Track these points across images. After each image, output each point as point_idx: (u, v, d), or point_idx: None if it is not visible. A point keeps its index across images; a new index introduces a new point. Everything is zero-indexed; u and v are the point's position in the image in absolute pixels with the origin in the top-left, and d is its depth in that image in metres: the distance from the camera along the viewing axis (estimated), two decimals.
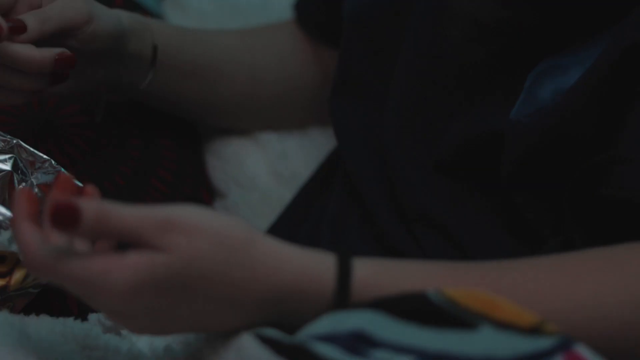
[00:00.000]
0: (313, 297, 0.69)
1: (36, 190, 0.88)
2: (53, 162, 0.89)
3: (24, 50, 0.86)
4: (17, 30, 0.86)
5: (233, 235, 0.68)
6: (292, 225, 0.98)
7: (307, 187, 1.02)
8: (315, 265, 0.70)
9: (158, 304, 0.67)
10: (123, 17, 0.94)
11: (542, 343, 0.63)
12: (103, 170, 1.00)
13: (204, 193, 1.06)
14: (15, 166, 0.88)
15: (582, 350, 0.63)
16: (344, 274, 0.70)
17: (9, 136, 0.88)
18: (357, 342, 0.63)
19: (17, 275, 0.85)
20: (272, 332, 0.66)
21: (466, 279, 0.71)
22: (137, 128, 1.04)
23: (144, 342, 0.79)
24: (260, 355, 0.64)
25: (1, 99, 0.90)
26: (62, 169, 0.88)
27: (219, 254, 0.67)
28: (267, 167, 1.06)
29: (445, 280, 0.71)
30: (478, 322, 0.64)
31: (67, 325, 0.80)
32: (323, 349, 0.63)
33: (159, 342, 0.78)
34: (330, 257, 0.70)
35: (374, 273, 0.70)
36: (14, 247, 0.84)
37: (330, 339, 0.64)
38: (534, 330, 0.64)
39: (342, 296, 0.69)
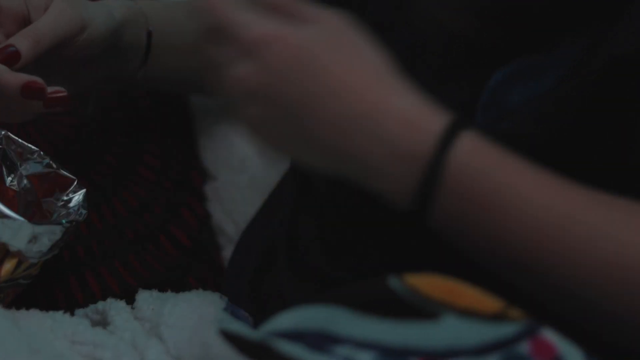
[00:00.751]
0: (412, 140, 0.68)
1: (25, 181, 0.88)
2: (42, 152, 0.89)
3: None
4: (12, 59, 0.83)
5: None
6: (270, 215, 0.97)
7: (285, 177, 1.00)
8: (427, 109, 0.69)
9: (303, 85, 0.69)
10: (115, 10, 0.91)
11: (507, 329, 0.62)
12: (87, 158, 1.00)
13: (194, 175, 1.06)
14: (3, 157, 0.89)
15: (548, 335, 0.62)
16: (454, 126, 0.68)
17: None
18: (320, 338, 0.63)
19: (7, 266, 0.85)
20: (237, 328, 0.66)
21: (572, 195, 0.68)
22: (121, 112, 1.04)
23: (129, 337, 0.80)
24: (224, 352, 0.64)
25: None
26: (51, 159, 0.89)
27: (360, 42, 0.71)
28: (257, 148, 1.06)
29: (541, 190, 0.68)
30: (441, 311, 0.62)
31: (57, 319, 0.81)
32: (287, 346, 0.62)
33: (143, 338, 0.79)
34: (445, 115, 0.69)
35: (481, 141, 0.69)
36: (3, 238, 0.84)
37: (294, 335, 0.63)
38: (498, 317, 0.62)
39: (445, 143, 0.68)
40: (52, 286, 0.92)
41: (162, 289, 0.89)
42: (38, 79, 0.84)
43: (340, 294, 0.65)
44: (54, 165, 0.88)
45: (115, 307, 0.85)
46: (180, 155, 1.06)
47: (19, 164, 0.89)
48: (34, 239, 0.83)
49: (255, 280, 0.90)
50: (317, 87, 0.70)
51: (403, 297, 0.63)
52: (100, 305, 0.86)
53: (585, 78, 0.71)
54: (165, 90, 1.04)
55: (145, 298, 0.85)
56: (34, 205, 0.88)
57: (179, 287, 0.91)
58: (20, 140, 0.89)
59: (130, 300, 0.87)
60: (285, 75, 0.70)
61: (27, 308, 0.83)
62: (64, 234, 0.85)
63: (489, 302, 0.63)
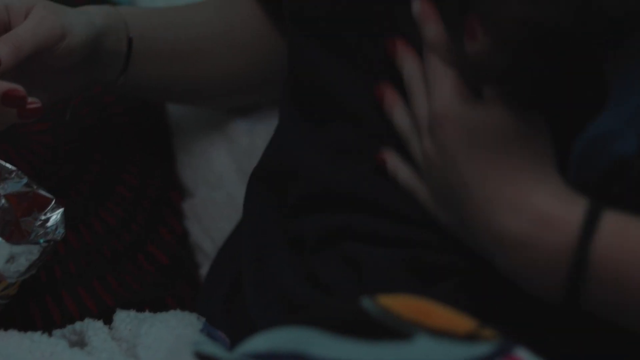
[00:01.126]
0: (559, 226, 0.71)
1: (3, 201, 0.89)
2: (20, 172, 0.89)
3: None
4: None
5: None
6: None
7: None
8: (567, 196, 0.72)
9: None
10: (96, 17, 0.91)
11: (479, 349, 0.62)
12: (66, 177, 1.00)
13: (172, 194, 1.06)
14: None
15: (521, 353, 0.62)
16: (593, 211, 0.71)
17: None
18: (295, 359, 0.63)
19: None
20: (212, 349, 0.66)
21: None
22: (98, 130, 1.04)
23: (106, 357, 0.80)
24: None
25: None
26: (29, 179, 0.89)
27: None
28: (234, 164, 1.06)
29: None
30: (413, 331, 0.63)
31: (34, 340, 0.81)
32: None
33: (120, 359, 0.79)
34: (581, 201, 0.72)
35: (624, 221, 0.71)
36: None
37: (269, 356, 0.64)
38: (471, 337, 0.63)
39: (589, 229, 0.70)
40: (30, 306, 0.92)
41: (140, 308, 0.88)
42: (20, 87, 0.84)
43: (315, 315, 0.65)
44: (32, 185, 0.88)
45: (92, 328, 0.85)
46: (158, 173, 1.06)
47: None
48: (11, 259, 0.83)
49: (228, 301, 0.90)
50: (464, 175, 0.75)
51: (376, 318, 0.64)
52: (77, 325, 0.86)
53: None
54: (145, 97, 1.04)
55: (123, 318, 0.85)
56: (12, 224, 0.88)
57: (158, 306, 0.91)
58: None
59: (108, 320, 0.87)
60: (449, 155, 0.76)
61: (5, 329, 0.83)
62: (42, 254, 0.85)
63: (461, 322, 0.63)
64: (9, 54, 0.83)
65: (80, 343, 0.82)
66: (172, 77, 1.01)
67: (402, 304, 0.64)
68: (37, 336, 0.81)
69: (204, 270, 1.03)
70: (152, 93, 1.02)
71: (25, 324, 0.89)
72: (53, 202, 0.88)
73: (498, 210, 0.73)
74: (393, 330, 0.63)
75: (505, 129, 0.75)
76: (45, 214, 0.88)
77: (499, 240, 0.73)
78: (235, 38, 1.02)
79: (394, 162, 0.81)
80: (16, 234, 0.87)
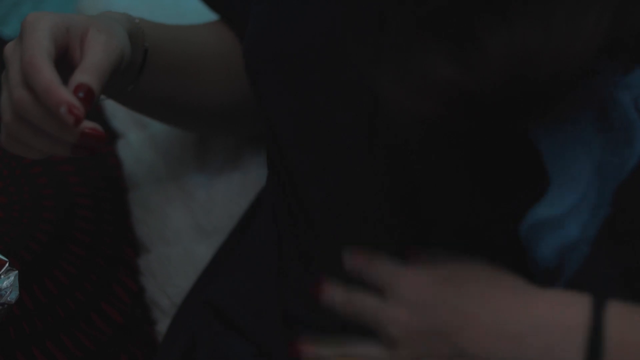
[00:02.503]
0: (567, 327, 0.72)
1: None
2: None
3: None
4: (89, 100, 0.80)
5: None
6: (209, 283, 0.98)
7: (224, 246, 1.01)
8: (567, 297, 0.73)
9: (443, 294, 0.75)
10: (122, 24, 0.89)
11: None
12: (17, 237, 1.00)
13: (126, 250, 1.06)
14: None
15: None
16: (598, 306, 0.72)
17: None
18: None
19: None
20: None
21: None
22: (50, 187, 1.04)
23: None
24: None
25: (19, 151, 0.85)
26: None
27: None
28: (191, 220, 1.06)
29: None
30: None
31: None
32: None
33: None
34: (583, 296, 0.73)
35: (630, 312, 0.72)
36: None
37: None
38: None
39: (597, 328, 0.72)
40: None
41: None
42: (99, 126, 0.81)
43: None
44: None
45: None
46: (112, 229, 1.05)
47: None
48: None
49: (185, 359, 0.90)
50: (465, 306, 0.75)
51: None
52: None
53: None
54: (145, 111, 1.01)
55: None
56: None
57: None
58: None
59: None
60: (431, 305, 0.75)
61: None
62: None
63: None
64: (98, 84, 0.81)
65: None
66: (176, 91, 0.98)
67: None
68: None
69: (160, 326, 1.03)
70: (155, 106, 0.99)
71: None
72: (7, 264, 0.88)
73: (514, 323, 0.74)
74: None
75: (478, 270, 0.77)
76: None
77: (517, 344, 0.74)
78: (232, 62, 1.00)
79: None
80: None
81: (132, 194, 1.09)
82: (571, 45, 0.65)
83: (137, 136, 1.11)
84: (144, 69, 0.92)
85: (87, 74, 0.80)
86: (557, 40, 0.65)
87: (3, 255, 0.89)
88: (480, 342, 0.74)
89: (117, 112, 1.11)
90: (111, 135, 1.11)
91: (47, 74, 0.78)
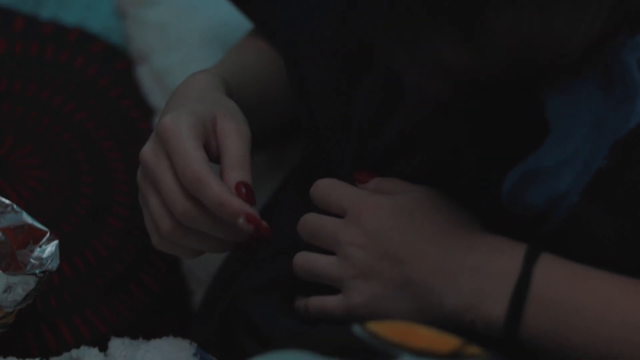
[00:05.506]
0: (500, 273, 0.77)
1: (0, 234, 0.91)
2: (15, 206, 0.91)
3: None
4: (250, 194, 0.82)
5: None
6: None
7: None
8: (507, 244, 0.79)
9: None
10: (226, 91, 0.91)
11: None
12: (57, 210, 1.01)
13: None
14: None
15: None
16: (530, 258, 0.77)
17: None
18: None
19: None
20: None
21: None
22: (88, 164, 1.06)
23: None
24: None
25: (175, 253, 0.87)
26: (24, 213, 0.91)
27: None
28: None
29: (621, 288, 0.76)
30: (398, 352, 0.66)
31: None
32: None
33: None
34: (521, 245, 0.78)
35: (559, 269, 0.77)
36: None
37: None
38: (454, 355, 0.66)
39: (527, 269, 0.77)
40: (26, 335, 0.94)
41: (133, 336, 0.90)
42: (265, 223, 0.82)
43: (309, 339, 0.68)
44: (27, 218, 0.91)
45: (88, 354, 0.86)
46: None
47: None
48: (8, 288, 0.86)
49: (222, 327, 0.92)
50: (417, 238, 0.80)
51: (365, 342, 0.67)
52: (74, 352, 0.88)
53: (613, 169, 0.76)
54: None
55: (117, 345, 0.87)
56: (8, 256, 0.90)
57: (150, 333, 0.91)
58: None
59: (103, 347, 0.88)
60: (387, 233, 0.80)
61: (4, 356, 0.85)
62: (38, 284, 0.87)
63: (445, 341, 0.66)
64: (250, 176, 0.83)
65: None
66: (255, 121, 0.96)
67: (388, 328, 0.67)
68: None
69: (196, 297, 1.04)
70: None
71: (22, 352, 0.91)
72: (48, 234, 0.90)
73: (457, 256, 0.79)
74: (380, 352, 0.66)
75: (434, 202, 0.81)
76: (40, 246, 0.90)
77: (459, 274, 0.79)
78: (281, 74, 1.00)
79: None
80: (13, 266, 0.89)
81: None
82: (574, 30, 0.67)
83: None
84: None
85: (239, 169, 0.82)
86: (561, 24, 0.67)
87: (44, 226, 0.91)
88: (423, 272, 0.79)
89: (153, 89, 1.13)
90: (148, 112, 1.13)
91: (217, 188, 0.80)
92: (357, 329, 0.68)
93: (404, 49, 0.70)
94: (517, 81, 0.72)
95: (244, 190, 0.81)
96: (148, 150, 0.84)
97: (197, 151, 0.81)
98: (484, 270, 0.78)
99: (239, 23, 1.10)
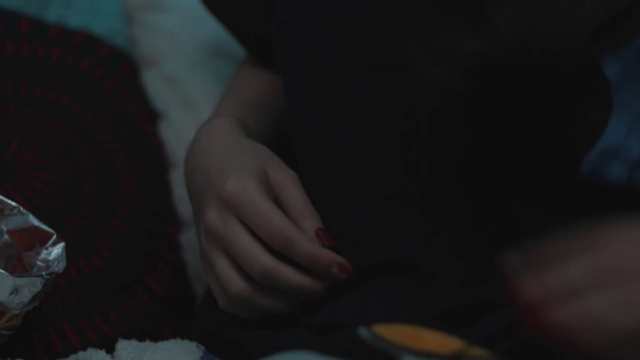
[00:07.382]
0: None
1: (6, 236, 0.91)
2: (21, 208, 0.92)
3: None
4: (330, 239, 0.84)
5: None
6: None
7: None
8: None
9: None
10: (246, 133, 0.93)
11: None
12: (63, 212, 1.02)
13: (167, 226, 1.08)
14: None
15: None
16: None
17: None
18: None
19: None
20: None
21: None
22: (94, 166, 1.06)
23: None
24: None
25: (245, 315, 0.87)
26: (30, 215, 0.92)
27: None
28: None
29: None
30: (402, 354, 0.67)
31: None
32: None
33: None
34: None
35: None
36: None
37: None
38: (458, 357, 0.66)
39: None
40: (33, 337, 0.94)
41: (139, 339, 0.90)
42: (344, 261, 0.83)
43: (316, 341, 0.69)
44: (34, 220, 0.91)
45: (95, 357, 0.87)
46: (153, 206, 1.08)
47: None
48: (15, 290, 0.86)
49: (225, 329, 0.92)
50: None
51: (370, 344, 0.67)
52: (81, 355, 0.88)
53: None
54: None
55: (125, 347, 0.87)
56: (15, 258, 0.90)
57: (156, 336, 0.92)
58: (0, 197, 0.92)
59: (110, 350, 0.89)
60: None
61: (12, 358, 0.85)
62: (44, 286, 0.87)
63: (448, 343, 0.67)
64: (321, 223, 0.84)
65: None
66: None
67: (393, 331, 0.68)
68: None
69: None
70: None
71: (29, 354, 0.91)
72: (54, 236, 0.90)
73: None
74: (384, 354, 0.67)
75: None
76: (47, 248, 0.90)
77: None
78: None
79: None
80: (19, 268, 0.90)
81: (174, 173, 1.11)
82: (578, 11, 0.68)
83: (179, 116, 1.13)
84: None
85: (310, 217, 0.84)
86: (563, 6, 0.68)
87: (50, 229, 0.92)
88: None
89: (159, 92, 1.14)
90: (153, 115, 1.14)
91: (309, 244, 0.82)
92: (362, 331, 0.68)
93: (422, 42, 0.72)
94: (535, 69, 0.72)
95: (322, 234, 0.83)
96: (215, 217, 0.85)
97: (276, 211, 0.83)
98: None
99: None
